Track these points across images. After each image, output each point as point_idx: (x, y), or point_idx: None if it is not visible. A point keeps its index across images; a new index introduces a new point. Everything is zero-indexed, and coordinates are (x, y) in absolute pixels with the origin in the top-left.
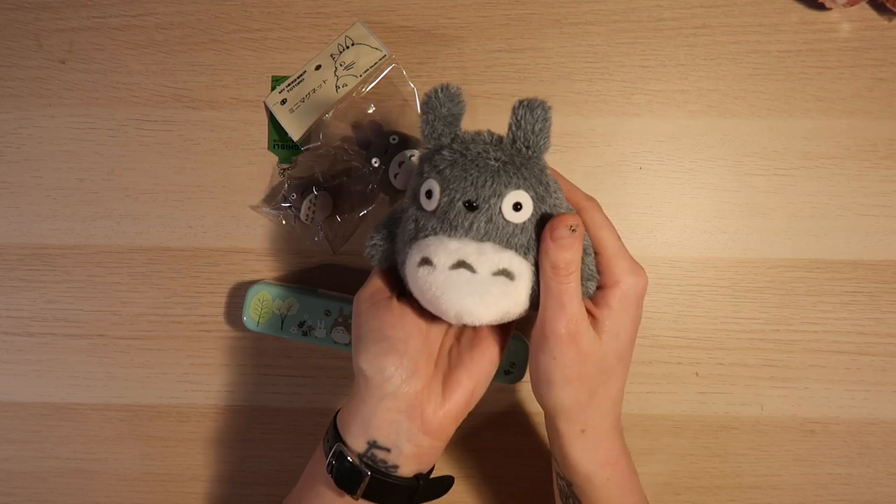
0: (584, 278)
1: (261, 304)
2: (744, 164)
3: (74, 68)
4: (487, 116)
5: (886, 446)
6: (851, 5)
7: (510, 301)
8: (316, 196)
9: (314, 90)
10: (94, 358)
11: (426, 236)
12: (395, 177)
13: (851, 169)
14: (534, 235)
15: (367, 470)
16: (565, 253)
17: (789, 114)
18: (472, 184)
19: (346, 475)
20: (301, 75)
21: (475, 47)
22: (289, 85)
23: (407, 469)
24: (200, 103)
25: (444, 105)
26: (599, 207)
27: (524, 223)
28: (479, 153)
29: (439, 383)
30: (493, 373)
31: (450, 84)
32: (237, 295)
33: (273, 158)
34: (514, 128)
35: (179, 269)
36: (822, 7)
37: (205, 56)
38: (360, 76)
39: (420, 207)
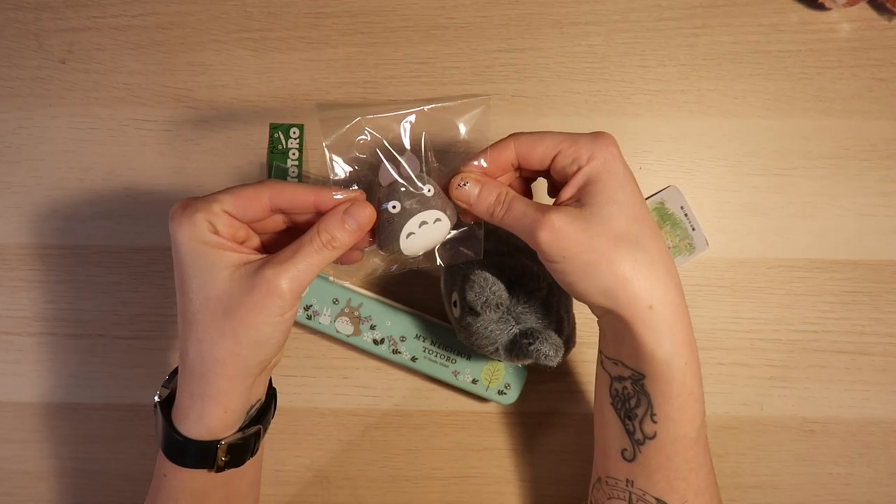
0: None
1: None
2: (744, 164)
3: (74, 68)
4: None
5: (886, 446)
6: (851, 5)
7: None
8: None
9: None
10: (94, 358)
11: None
12: (409, 237)
13: (851, 169)
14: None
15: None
16: (475, 204)
17: (789, 114)
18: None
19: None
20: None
21: (475, 47)
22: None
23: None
24: (200, 103)
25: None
26: (520, 134)
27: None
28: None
29: None
30: None
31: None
32: None
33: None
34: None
35: None
36: (822, 7)
37: (205, 56)
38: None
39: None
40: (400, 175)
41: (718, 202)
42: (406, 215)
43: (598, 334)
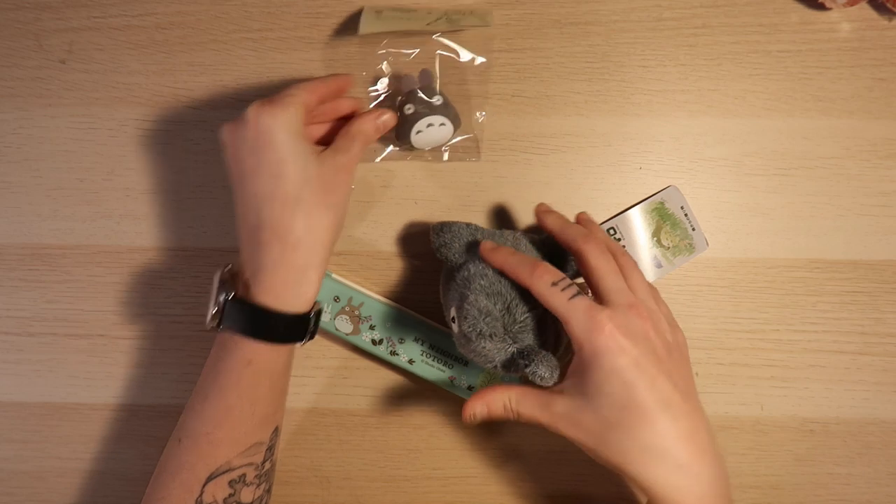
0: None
1: None
2: (744, 164)
3: (74, 68)
4: (488, 117)
5: (886, 446)
6: (851, 5)
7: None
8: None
9: (409, 11)
10: (94, 358)
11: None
12: (417, 133)
13: (851, 169)
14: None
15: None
16: (488, 415)
17: (789, 114)
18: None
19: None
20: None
21: (475, 47)
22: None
23: None
24: (200, 103)
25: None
26: (545, 278)
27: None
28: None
29: None
30: None
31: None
32: None
33: None
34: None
35: (179, 269)
36: (822, 7)
37: (205, 56)
38: (453, 29)
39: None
40: (416, 86)
41: (718, 202)
42: (416, 116)
43: None
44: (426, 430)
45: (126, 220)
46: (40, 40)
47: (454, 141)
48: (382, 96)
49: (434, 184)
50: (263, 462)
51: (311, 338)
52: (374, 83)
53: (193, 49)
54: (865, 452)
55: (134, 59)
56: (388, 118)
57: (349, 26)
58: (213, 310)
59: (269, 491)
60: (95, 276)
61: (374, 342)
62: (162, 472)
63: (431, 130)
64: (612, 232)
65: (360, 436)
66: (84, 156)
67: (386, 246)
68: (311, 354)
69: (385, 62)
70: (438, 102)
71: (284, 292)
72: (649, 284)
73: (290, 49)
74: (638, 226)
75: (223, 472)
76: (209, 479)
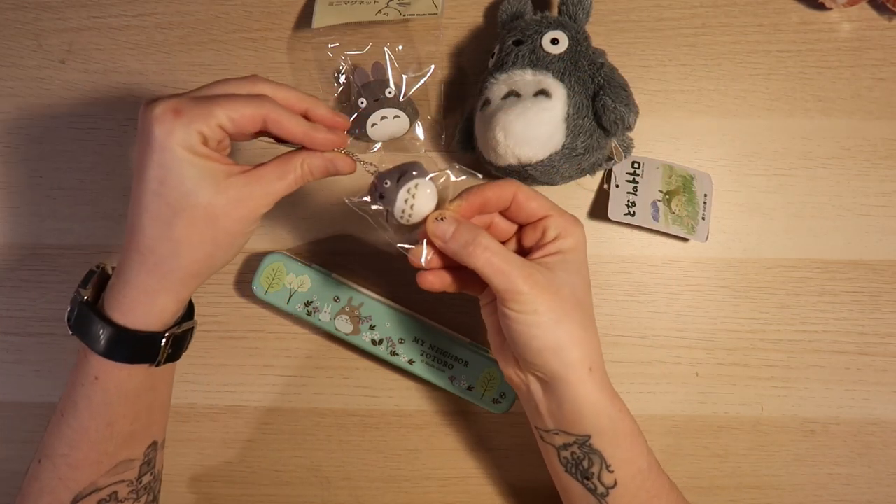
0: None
1: (273, 274)
2: (744, 164)
3: (74, 68)
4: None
5: (886, 446)
6: (851, 5)
7: (548, 116)
8: (417, 185)
9: (361, 1)
10: None
11: (487, 87)
12: (373, 126)
13: (851, 169)
14: (570, 65)
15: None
16: (449, 241)
17: (789, 114)
18: (521, 30)
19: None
20: None
21: (475, 47)
22: None
23: None
24: None
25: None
26: (519, 183)
27: (561, 54)
28: (529, 20)
29: None
30: None
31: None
32: (252, 263)
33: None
34: (560, 4)
35: None
36: (822, 7)
37: (205, 56)
38: (404, 17)
39: (486, 71)
40: (369, 79)
41: (718, 202)
42: (370, 109)
43: None
44: (426, 430)
45: (126, 220)
46: (40, 40)
47: (419, 132)
48: (340, 90)
49: None
50: (140, 477)
51: (172, 360)
52: (335, 77)
53: (193, 49)
54: (865, 452)
55: (134, 59)
56: (343, 164)
57: (303, 21)
58: (69, 308)
59: (154, 500)
60: None
61: (374, 342)
62: (25, 496)
63: (386, 123)
64: (635, 166)
65: (360, 436)
66: (84, 156)
67: (385, 246)
68: (312, 354)
69: (342, 56)
70: (391, 95)
71: (128, 309)
72: None
73: (289, 49)
74: (659, 176)
75: (90, 493)
76: (75, 501)
